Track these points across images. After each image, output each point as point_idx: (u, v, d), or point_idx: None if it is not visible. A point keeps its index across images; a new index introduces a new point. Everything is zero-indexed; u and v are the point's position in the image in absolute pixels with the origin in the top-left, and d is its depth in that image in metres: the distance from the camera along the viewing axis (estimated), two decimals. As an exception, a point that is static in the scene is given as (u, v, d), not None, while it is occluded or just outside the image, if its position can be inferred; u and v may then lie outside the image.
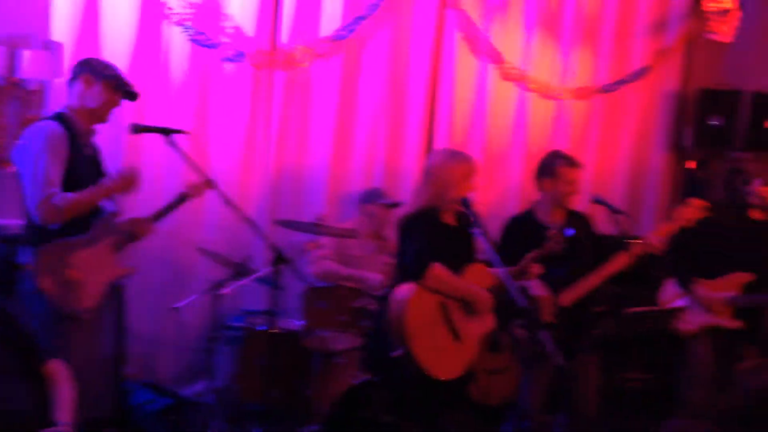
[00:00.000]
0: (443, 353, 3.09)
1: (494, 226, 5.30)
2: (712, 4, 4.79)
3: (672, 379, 4.47)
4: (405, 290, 3.09)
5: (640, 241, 3.56)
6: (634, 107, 5.79)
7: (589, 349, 3.55)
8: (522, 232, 3.65)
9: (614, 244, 3.79)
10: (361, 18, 4.74)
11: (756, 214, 3.87)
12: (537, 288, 3.50)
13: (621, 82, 5.64)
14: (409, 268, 3.10)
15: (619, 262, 3.57)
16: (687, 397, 3.81)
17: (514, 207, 5.30)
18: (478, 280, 3.21)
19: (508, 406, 3.83)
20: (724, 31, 4.89)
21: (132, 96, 3.26)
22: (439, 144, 5.14)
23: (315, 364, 3.90)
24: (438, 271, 3.07)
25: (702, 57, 5.95)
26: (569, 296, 3.57)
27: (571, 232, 3.42)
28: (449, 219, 3.26)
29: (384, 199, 4.42)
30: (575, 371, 3.63)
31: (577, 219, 3.76)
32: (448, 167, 3.20)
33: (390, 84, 5.00)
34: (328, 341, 3.91)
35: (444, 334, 3.10)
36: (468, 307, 3.18)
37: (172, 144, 3.35)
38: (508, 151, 5.41)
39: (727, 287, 3.82)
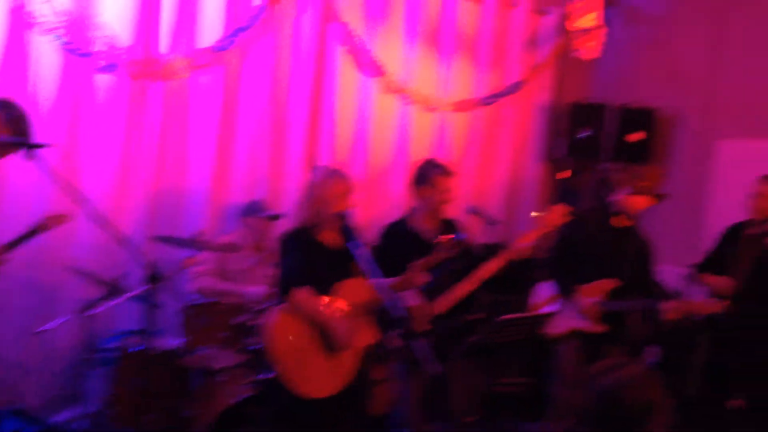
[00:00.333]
0: (317, 372, 3.09)
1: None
2: (576, 23, 5.04)
3: (544, 382, 4.68)
4: (273, 312, 3.12)
5: (510, 248, 3.69)
6: (510, 120, 6.02)
7: (464, 355, 3.64)
8: (397, 240, 3.71)
9: (488, 251, 3.91)
10: (242, 29, 4.70)
11: (619, 222, 4.05)
12: (411, 297, 3.56)
13: (498, 96, 5.85)
14: (276, 293, 3.12)
15: (490, 268, 3.68)
16: (555, 398, 4.01)
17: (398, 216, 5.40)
18: (353, 295, 3.23)
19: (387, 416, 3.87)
20: (590, 49, 5.16)
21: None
22: (323, 157, 5.17)
23: (195, 384, 3.82)
24: (299, 297, 3.07)
25: (572, 72, 6.27)
26: (443, 304, 3.66)
27: (462, 235, 3.49)
28: (328, 236, 3.28)
29: (265, 211, 4.39)
30: (450, 378, 3.74)
31: (450, 227, 3.86)
32: (326, 185, 3.22)
33: (272, 96, 4.98)
34: (209, 359, 3.84)
35: (318, 351, 3.10)
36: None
37: (35, 159, 3.18)
38: (391, 163, 5.50)
39: (595, 292, 4.00)
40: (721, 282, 4.15)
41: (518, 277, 4.12)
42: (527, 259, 3.81)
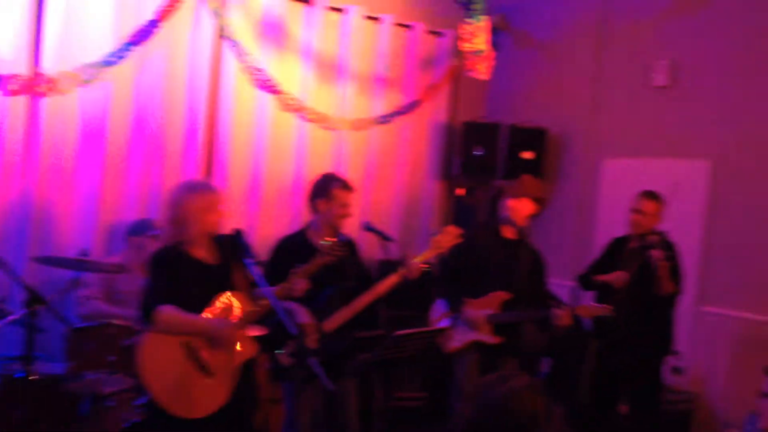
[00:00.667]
0: (193, 392, 3.01)
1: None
2: (467, 45, 5.19)
3: (444, 396, 4.74)
4: (139, 339, 3.03)
5: (404, 267, 3.70)
6: (407, 138, 6.12)
7: (361, 371, 3.64)
8: (292, 252, 3.66)
9: (384, 268, 3.93)
10: (132, 44, 4.58)
11: (508, 232, 4.16)
12: (302, 315, 3.53)
13: (394, 115, 5.93)
14: (140, 316, 3.02)
15: (384, 287, 3.68)
16: (454, 411, 4.06)
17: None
18: (227, 309, 3.14)
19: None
20: (481, 70, 5.32)
21: None
22: (218, 173, 5.09)
23: (82, 410, 3.65)
24: (165, 314, 2.98)
25: (466, 92, 6.45)
26: (334, 321, 3.63)
27: (343, 237, 3.46)
28: (201, 251, 3.18)
29: (153, 230, 4.25)
30: (347, 394, 3.73)
31: (345, 243, 3.86)
32: (186, 201, 3.09)
33: (166, 112, 4.87)
34: (97, 384, 3.68)
35: (191, 372, 3.02)
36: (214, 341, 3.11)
37: None
38: (289, 180, 5.47)
39: (488, 305, 4.08)
40: (612, 277, 4.30)
41: (418, 293, 4.16)
42: (426, 275, 3.84)
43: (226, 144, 5.14)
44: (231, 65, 5.11)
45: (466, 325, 4.07)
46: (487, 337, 4.05)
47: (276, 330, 3.25)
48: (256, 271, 3.16)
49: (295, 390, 3.49)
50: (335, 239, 3.43)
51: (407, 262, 3.70)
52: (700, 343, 5.10)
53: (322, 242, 3.42)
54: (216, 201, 3.16)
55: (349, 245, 3.87)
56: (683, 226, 4.86)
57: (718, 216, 5.11)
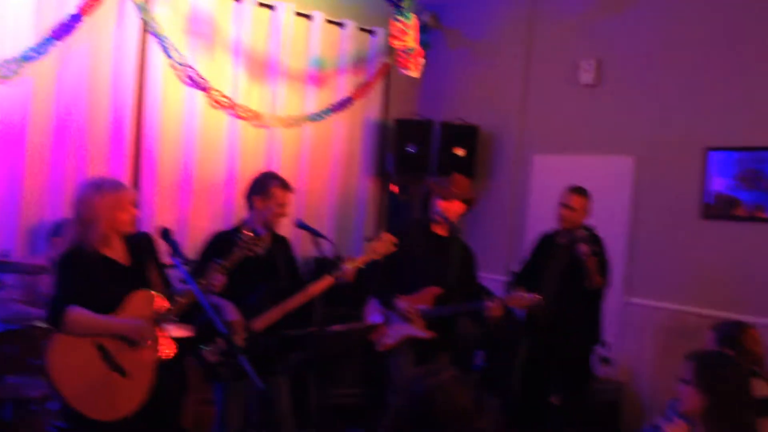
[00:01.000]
0: (108, 394, 2.94)
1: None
2: (398, 43, 5.21)
3: (380, 392, 4.74)
4: (48, 343, 2.94)
5: (337, 271, 3.68)
6: (340, 136, 6.11)
7: (295, 369, 3.60)
8: (225, 249, 3.59)
9: (317, 267, 3.90)
10: (54, 39, 4.44)
11: (439, 229, 4.19)
12: (231, 312, 3.48)
13: (326, 112, 5.91)
14: (48, 318, 2.93)
15: (316, 289, 3.64)
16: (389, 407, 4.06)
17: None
18: (143, 308, 3.07)
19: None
20: (412, 68, 5.35)
21: None
22: (146, 171, 4.98)
23: (5, 415, 3.52)
24: (74, 316, 2.91)
25: (399, 90, 6.49)
26: (264, 320, 3.60)
27: (261, 232, 3.40)
28: (113, 250, 3.09)
29: None
30: (281, 393, 3.69)
31: (280, 242, 3.82)
32: (93, 200, 3.01)
33: (90, 109, 4.75)
34: (20, 388, 3.56)
35: (105, 373, 2.95)
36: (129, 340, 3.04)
37: None
38: (220, 177, 5.40)
39: (420, 301, 4.11)
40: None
41: (351, 290, 4.13)
42: (359, 273, 3.82)
43: (154, 141, 5.04)
44: (158, 61, 5.01)
45: (400, 321, 4.08)
46: (421, 333, 4.06)
47: (205, 328, 3.19)
48: (184, 270, 3.09)
49: (224, 389, 3.43)
50: (253, 234, 3.37)
51: (341, 266, 3.67)
52: (628, 333, 5.26)
53: (239, 236, 3.35)
54: (125, 199, 3.08)
55: (283, 243, 3.83)
56: (611, 221, 5.01)
57: (642, 210, 5.27)
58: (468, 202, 4.20)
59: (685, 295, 4.98)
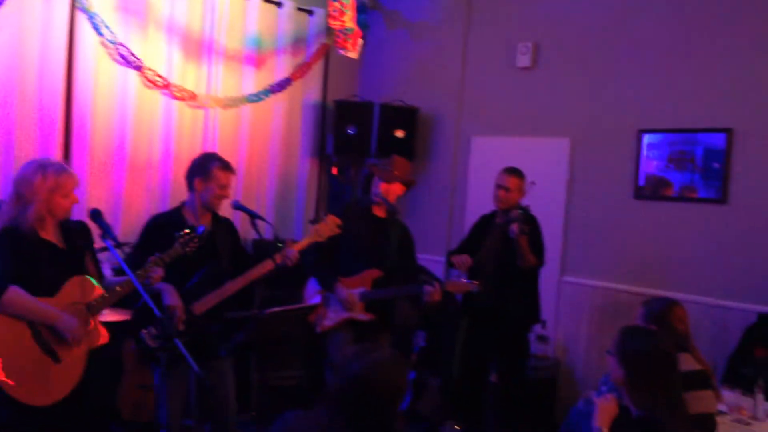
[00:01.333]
0: (38, 377, 2.86)
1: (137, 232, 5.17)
2: (335, 23, 5.17)
3: (320, 373, 4.74)
4: None
5: (279, 254, 3.65)
6: (279, 117, 6.05)
7: (235, 352, 3.57)
8: (165, 231, 3.51)
9: (256, 249, 3.86)
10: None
11: (378, 212, 4.19)
12: (170, 296, 3.42)
13: (266, 93, 5.83)
14: None
15: (258, 273, 3.59)
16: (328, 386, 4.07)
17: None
18: (78, 294, 3.01)
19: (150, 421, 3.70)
20: (350, 49, 5.32)
21: None
22: (78, 152, 4.84)
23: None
24: (11, 296, 2.82)
25: (339, 71, 6.45)
26: (206, 304, 3.54)
27: (201, 229, 3.35)
28: (50, 233, 3.00)
29: None
30: (222, 376, 3.65)
31: (222, 224, 3.76)
32: (32, 181, 2.91)
33: (19, 87, 4.59)
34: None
35: (37, 358, 2.87)
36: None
37: None
38: (155, 158, 5.28)
39: (360, 283, 4.11)
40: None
41: (291, 272, 4.10)
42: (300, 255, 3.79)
43: (85, 121, 4.89)
44: (89, 39, 4.85)
45: (339, 304, 4.08)
46: (360, 315, 4.07)
47: (142, 312, 3.12)
48: (115, 253, 3.02)
49: (164, 374, 3.37)
50: (189, 231, 3.31)
51: (284, 249, 3.63)
52: (563, 311, 5.38)
53: (177, 233, 3.29)
54: (68, 185, 2.98)
55: (225, 226, 3.78)
56: (548, 202, 5.10)
57: (577, 191, 5.38)
58: (407, 184, 4.21)
59: (618, 273, 5.12)
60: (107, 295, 3.04)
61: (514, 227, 4.18)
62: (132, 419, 4.52)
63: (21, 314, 2.85)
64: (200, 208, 3.62)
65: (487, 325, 4.57)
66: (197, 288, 3.52)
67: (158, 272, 3.18)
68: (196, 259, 3.48)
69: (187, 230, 3.27)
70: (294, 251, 3.65)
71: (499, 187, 4.50)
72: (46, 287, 2.92)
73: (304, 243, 3.75)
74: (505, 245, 4.36)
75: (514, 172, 4.53)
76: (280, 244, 3.64)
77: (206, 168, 3.61)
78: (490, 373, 4.79)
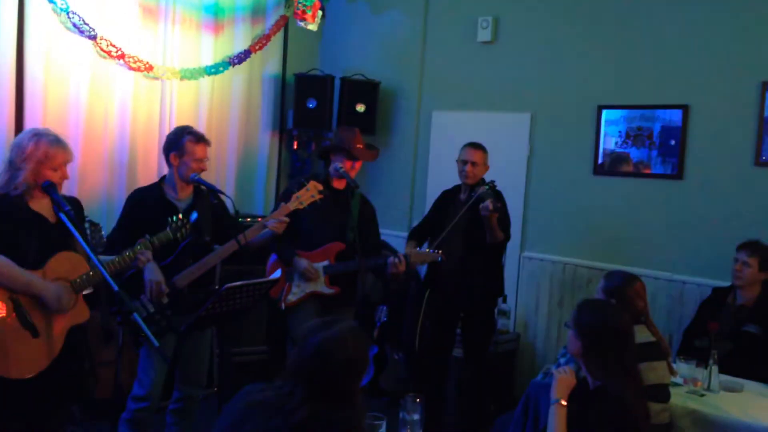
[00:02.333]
0: (15, 350, 2.82)
1: (101, 207, 5.07)
2: (294, -5, 5.09)
3: (283, 348, 4.72)
4: None
5: (258, 223, 3.67)
6: (239, 90, 5.95)
7: (198, 327, 3.55)
8: (145, 206, 3.51)
9: (231, 224, 3.84)
10: None
11: (338, 185, 4.17)
12: (150, 272, 3.40)
13: (225, 65, 5.72)
14: None
15: (233, 246, 3.61)
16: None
17: (122, 186, 5.13)
18: (65, 269, 2.97)
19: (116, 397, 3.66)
20: (310, 20, 5.24)
21: None
22: (31, 125, 4.68)
23: None
24: None
25: (298, 45, 6.36)
26: (188, 277, 3.56)
27: (194, 216, 3.38)
28: (38, 205, 2.98)
29: None
30: (186, 351, 3.64)
31: (203, 197, 3.74)
32: (24, 147, 2.91)
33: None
34: None
35: (16, 330, 2.82)
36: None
37: None
38: (111, 131, 5.15)
39: (323, 257, 4.09)
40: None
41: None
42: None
43: (37, 94, 4.73)
44: (40, 7, 4.68)
45: (302, 278, 4.06)
46: (325, 288, 4.07)
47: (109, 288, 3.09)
48: (69, 224, 2.96)
49: (146, 349, 3.40)
50: (182, 218, 3.32)
51: (263, 219, 3.71)
52: (523, 286, 5.44)
53: (170, 218, 3.33)
54: (59, 159, 2.97)
55: (206, 198, 3.75)
56: (508, 177, 5.11)
57: (537, 166, 5.42)
58: (370, 157, 4.20)
59: (577, 248, 5.19)
60: (92, 273, 3.00)
61: (488, 204, 4.16)
62: (96, 394, 4.47)
63: (6, 283, 2.81)
64: (179, 182, 3.64)
65: (452, 299, 4.59)
66: (178, 261, 3.52)
67: (146, 254, 3.18)
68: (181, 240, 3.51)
69: (180, 216, 3.28)
70: (277, 219, 3.69)
71: (464, 162, 4.49)
72: (31, 260, 2.88)
73: (286, 210, 3.76)
74: (472, 221, 4.36)
75: (479, 146, 4.53)
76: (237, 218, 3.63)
77: (179, 143, 3.62)
78: (452, 348, 4.81)
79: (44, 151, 2.92)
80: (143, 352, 3.61)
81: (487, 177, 4.48)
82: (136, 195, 3.71)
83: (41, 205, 2.99)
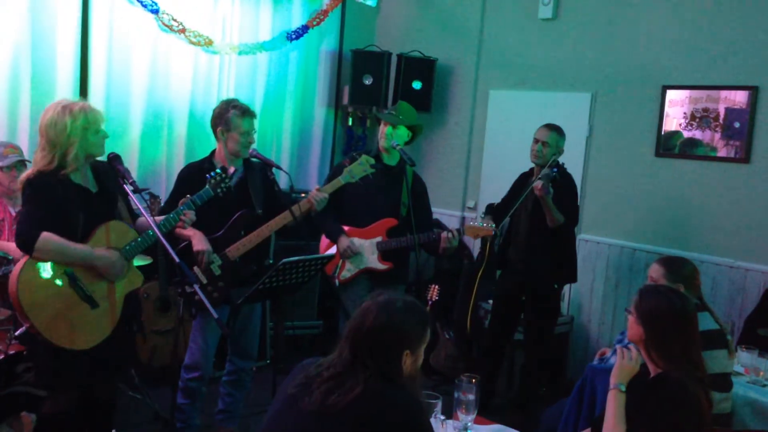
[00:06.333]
0: (78, 322, 2.88)
1: (160, 180, 5.16)
2: (352, -31, 5.03)
3: (336, 324, 4.75)
4: (18, 266, 2.84)
5: (306, 198, 3.69)
6: (296, 65, 5.96)
7: (254, 300, 3.59)
8: (195, 180, 3.51)
9: (283, 198, 3.88)
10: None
11: (389, 161, 4.09)
12: (198, 242, 3.45)
13: (282, 41, 5.74)
14: (18, 242, 2.83)
15: (286, 218, 3.63)
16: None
17: (181, 159, 5.20)
18: (112, 239, 2.99)
19: (175, 365, 3.76)
20: (368, -3, 5.19)
21: None
22: (96, 97, 4.79)
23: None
24: (46, 241, 2.79)
25: (356, 21, 6.33)
26: (240, 249, 3.60)
27: (232, 170, 3.42)
28: (82, 177, 2.98)
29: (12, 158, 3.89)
30: (242, 323, 3.70)
31: (254, 170, 3.78)
32: (63, 123, 2.85)
33: (35, 32, 4.51)
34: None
35: (74, 302, 2.88)
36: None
37: None
38: (173, 103, 5.23)
39: (375, 233, 4.08)
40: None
41: (307, 223, 4.09)
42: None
43: (100, 68, 4.83)
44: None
45: (343, 256, 4.06)
46: (377, 264, 4.06)
47: (168, 258, 3.14)
48: (135, 198, 3.02)
49: (188, 320, 3.45)
50: (221, 172, 3.33)
51: (311, 194, 3.71)
52: (579, 269, 5.34)
53: (209, 175, 3.33)
54: (95, 121, 2.93)
55: (258, 170, 3.79)
56: (566, 158, 5.01)
57: (597, 147, 5.30)
58: (413, 128, 4.14)
59: (635, 232, 5.08)
60: (140, 240, 3.03)
61: (537, 185, 4.10)
62: (149, 363, 4.58)
63: (56, 259, 2.85)
64: (228, 155, 3.66)
65: (517, 283, 4.55)
66: (231, 233, 3.56)
67: (188, 214, 3.18)
68: (229, 206, 3.52)
69: (218, 171, 3.29)
70: (322, 193, 3.71)
71: (536, 141, 4.44)
72: (79, 232, 2.90)
73: (334, 185, 3.78)
74: (536, 202, 4.32)
75: (552, 127, 4.45)
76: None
77: (225, 117, 3.65)
78: (514, 333, 4.76)
79: (83, 118, 2.87)
80: (196, 323, 3.68)
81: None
82: (187, 169, 3.75)
83: (83, 176, 2.98)
